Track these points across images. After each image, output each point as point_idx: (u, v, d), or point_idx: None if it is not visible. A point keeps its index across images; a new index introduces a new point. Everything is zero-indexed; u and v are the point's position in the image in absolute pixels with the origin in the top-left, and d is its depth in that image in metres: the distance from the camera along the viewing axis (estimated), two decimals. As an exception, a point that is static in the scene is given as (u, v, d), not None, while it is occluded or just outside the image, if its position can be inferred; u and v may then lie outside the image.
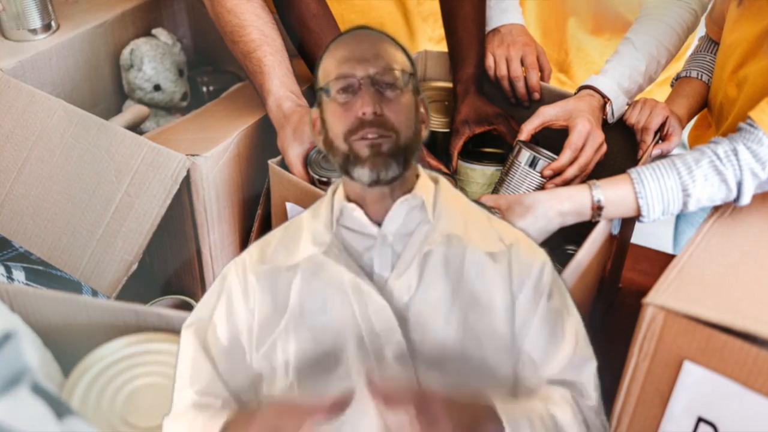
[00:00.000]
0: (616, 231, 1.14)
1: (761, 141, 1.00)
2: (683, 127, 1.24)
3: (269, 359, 0.84)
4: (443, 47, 1.43)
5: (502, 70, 1.35)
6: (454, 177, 1.27)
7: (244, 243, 1.30)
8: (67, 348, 0.96)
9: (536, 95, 1.35)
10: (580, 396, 0.82)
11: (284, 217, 1.15)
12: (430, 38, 1.69)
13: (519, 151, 1.17)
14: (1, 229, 1.18)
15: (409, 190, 0.85)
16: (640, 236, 1.41)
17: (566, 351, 0.82)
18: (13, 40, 1.38)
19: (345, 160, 0.83)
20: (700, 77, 1.30)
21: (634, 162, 1.23)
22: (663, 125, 1.21)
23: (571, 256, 1.01)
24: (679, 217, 1.61)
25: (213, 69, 1.67)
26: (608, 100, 1.22)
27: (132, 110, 1.43)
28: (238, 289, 0.86)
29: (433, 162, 1.25)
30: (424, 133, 0.88)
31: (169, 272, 1.29)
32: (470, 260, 0.84)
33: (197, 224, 1.20)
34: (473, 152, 1.33)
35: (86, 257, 1.12)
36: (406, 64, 0.86)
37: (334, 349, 0.83)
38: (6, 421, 0.54)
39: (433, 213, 0.85)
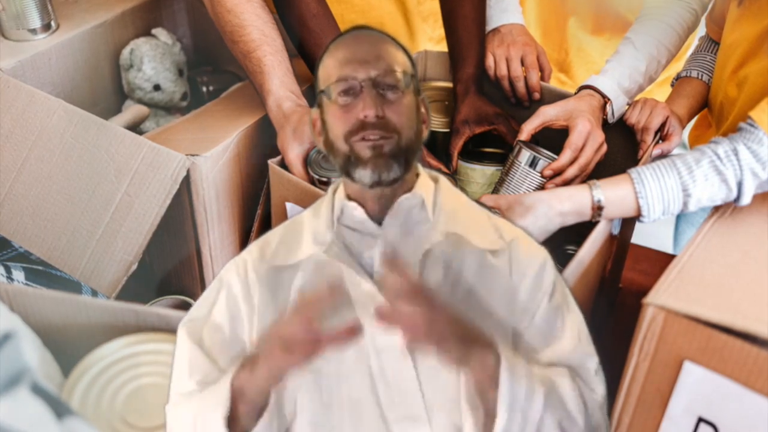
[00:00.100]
0: (616, 231, 1.14)
1: (761, 141, 0.99)
2: (683, 127, 1.24)
3: None
4: (443, 47, 1.43)
5: (502, 70, 1.35)
6: (454, 177, 1.27)
7: (244, 243, 1.30)
8: (67, 348, 0.96)
9: (536, 95, 1.35)
10: (581, 381, 0.81)
11: (284, 217, 1.14)
12: (430, 38, 1.69)
13: (519, 151, 1.17)
14: (1, 229, 1.18)
15: (409, 189, 0.85)
16: (640, 236, 1.41)
17: (566, 347, 0.82)
18: (12, 39, 1.38)
19: (346, 161, 0.83)
20: (700, 77, 1.30)
21: (635, 162, 1.23)
22: (663, 125, 1.21)
23: (571, 256, 1.01)
24: (680, 217, 1.60)
25: (213, 69, 1.67)
26: (608, 100, 1.22)
27: (132, 110, 1.43)
28: (239, 287, 0.86)
29: (433, 162, 1.25)
30: (425, 134, 0.88)
31: (169, 272, 1.29)
32: (470, 258, 0.84)
33: (197, 224, 1.20)
34: (473, 152, 1.33)
35: (86, 257, 1.12)
36: (407, 65, 0.86)
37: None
38: (6, 421, 0.54)
39: (433, 212, 0.85)
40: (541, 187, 1.16)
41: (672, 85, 1.36)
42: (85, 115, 1.17)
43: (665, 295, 0.81)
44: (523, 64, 1.35)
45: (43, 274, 1.22)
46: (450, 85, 1.40)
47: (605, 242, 1.10)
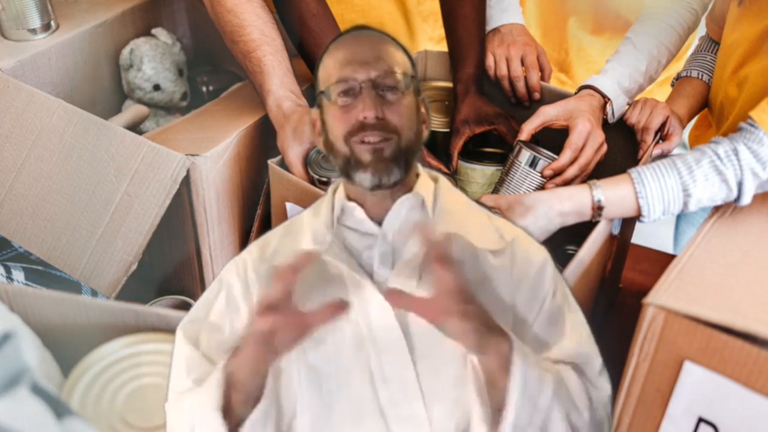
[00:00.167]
0: (616, 231, 1.14)
1: (762, 141, 0.99)
2: (684, 127, 1.24)
3: None
4: (443, 47, 1.43)
5: (503, 70, 1.35)
6: (454, 177, 1.27)
7: (243, 243, 1.30)
8: (67, 348, 0.95)
9: (536, 95, 1.35)
10: (586, 379, 0.81)
11: (284, 217, 1.14)
12: (430, 38, 1.69)
13: (519, 151, 1.17)
14: (1, 229, 1.18)
15: (410, 189, 0.85)
16: (640, 236, 1.41)
17: (569, 346, 0.82)
18: (12, 39, 1.38)
19: (346, 163, 0.82)
20: (700, 77, 1.30)
21: (635, 162, 1.23)
22: (663, 125, 1.21)
23: (571, 257, 1.01)
24: (680, 217, 1.60)
25: (213, 69, 1.67)
26: (609, 99, 1.22)
27: (132, 110, 1.43)
28: (239, 286, 0.86)
29: (434, 162, 1.25)
30: (425, 134, 0.88)
31: (169, 272, 1.29)
32: (470, 258, 0.83)
33: (197, 224, 1.20)
34: (473, 152, 1.33)
35: (86, 257, 1.11)
36: (407, 66, 0.86)
37: (334, 347, 0.83)
38: (5, 421, 0.54)
39: (433, 211, 0.85)
40: (542, 187, 1.16)
41: (672, 85, 1.36)
42: (85, 115, 1.17)
43: (665, 295, 0.81)
44: (523, 64, 1.35)
45: (42, 274, 1.22)
46: (450, 85, 1.40)
47: (605, 242, 1.09)
